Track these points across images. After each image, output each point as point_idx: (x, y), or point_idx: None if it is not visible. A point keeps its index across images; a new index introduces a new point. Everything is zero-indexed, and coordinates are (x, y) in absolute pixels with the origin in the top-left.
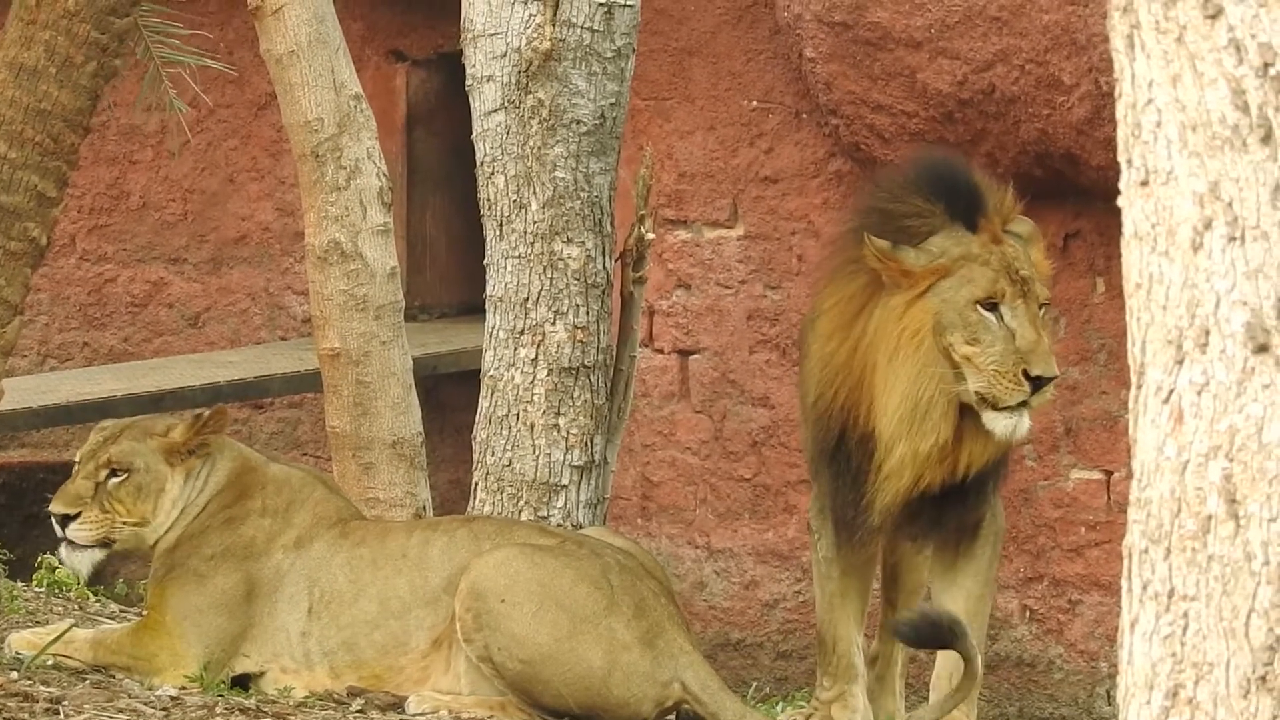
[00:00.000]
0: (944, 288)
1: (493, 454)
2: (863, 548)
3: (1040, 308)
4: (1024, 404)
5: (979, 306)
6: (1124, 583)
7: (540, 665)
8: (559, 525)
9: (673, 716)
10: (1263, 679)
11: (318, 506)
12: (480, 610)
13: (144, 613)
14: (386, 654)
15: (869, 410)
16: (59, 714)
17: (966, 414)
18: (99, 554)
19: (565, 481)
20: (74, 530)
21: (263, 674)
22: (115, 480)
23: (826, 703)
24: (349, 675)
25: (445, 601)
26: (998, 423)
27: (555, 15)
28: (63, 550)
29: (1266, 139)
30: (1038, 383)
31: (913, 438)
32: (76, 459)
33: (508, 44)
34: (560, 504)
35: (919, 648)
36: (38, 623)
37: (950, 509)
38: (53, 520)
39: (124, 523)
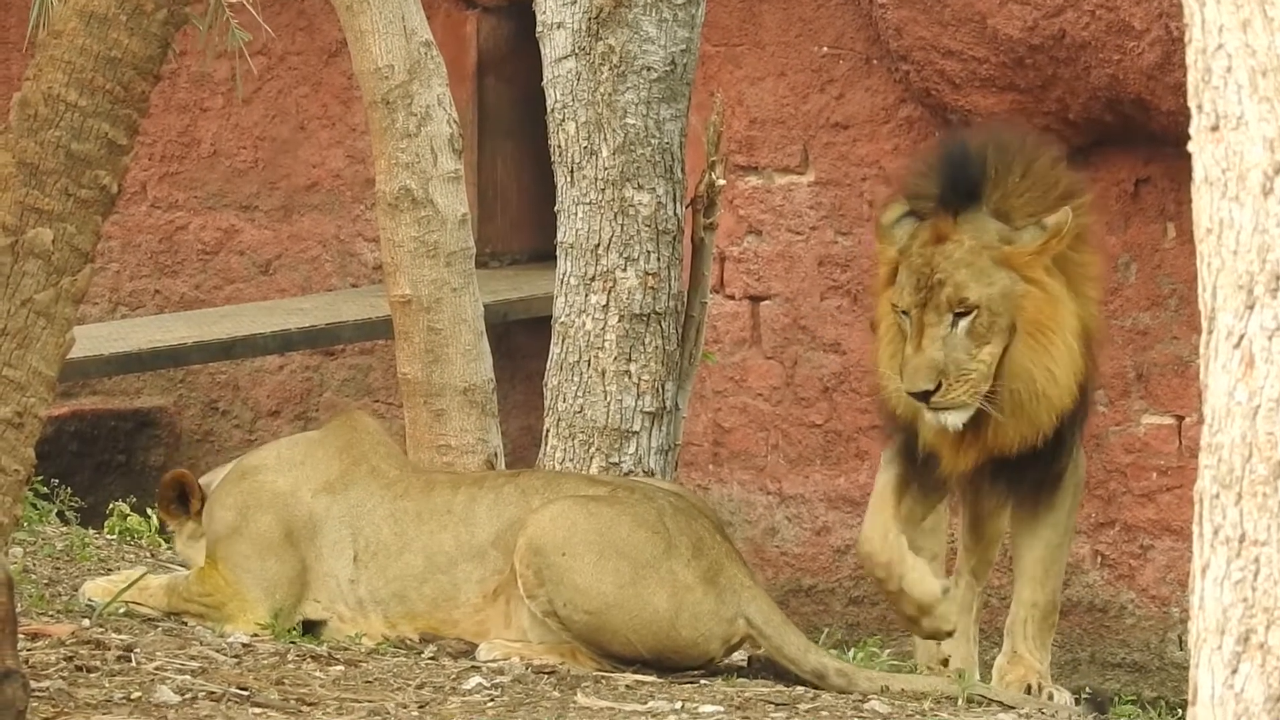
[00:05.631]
0: (898, 278)
1: (564, 400)
2: (928, 501)
3: (965, 315)
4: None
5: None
6: (1195, 528)
7: (606, 615)
8: (629, 472)
9: (739, 654)
10: None
11: (344, 453)
12: (541, 566)
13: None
14: (438, 607)
15: None
16: (131, 661)
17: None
18: None
19: (637, 428)
20: None
21: (324, 621)
22: None
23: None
24: (405, 625)
25: (493, 555)
26: (927, 415)
27: None
28: None
29: None
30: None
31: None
32: None
33: None
34: (632, 450)
35: None
36: (110, 570)
37: (1028, 469)
38: None
39: None
